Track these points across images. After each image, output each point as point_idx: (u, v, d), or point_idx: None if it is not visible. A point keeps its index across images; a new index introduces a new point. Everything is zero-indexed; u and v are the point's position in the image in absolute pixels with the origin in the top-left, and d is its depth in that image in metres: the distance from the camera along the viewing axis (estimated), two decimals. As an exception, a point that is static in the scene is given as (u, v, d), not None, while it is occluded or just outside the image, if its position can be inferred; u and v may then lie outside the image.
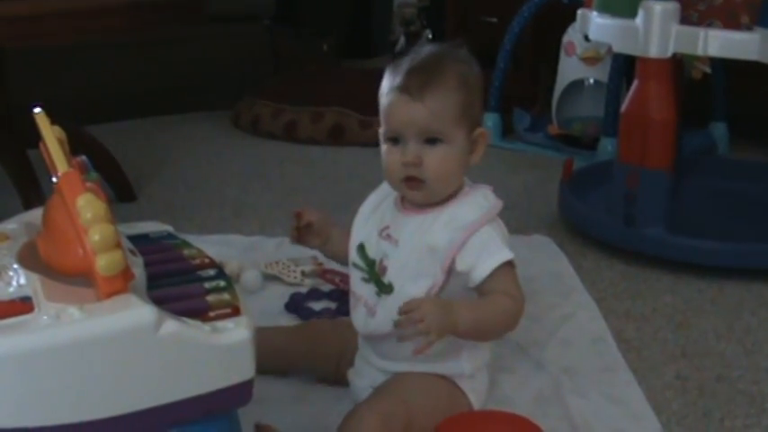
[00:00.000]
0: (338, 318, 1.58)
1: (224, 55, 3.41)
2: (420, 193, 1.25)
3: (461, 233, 1.22)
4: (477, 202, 1.25)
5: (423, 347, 1.14)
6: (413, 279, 1.24)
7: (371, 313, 1.28)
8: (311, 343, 1.41)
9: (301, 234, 1.39)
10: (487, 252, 1.21)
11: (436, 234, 1.23)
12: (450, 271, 1.22)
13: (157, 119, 3.26)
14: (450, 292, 1.24)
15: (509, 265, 1.23)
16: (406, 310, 1.14)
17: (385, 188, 1.35)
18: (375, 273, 1.28)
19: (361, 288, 1.31)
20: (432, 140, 1.22)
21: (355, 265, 1.32)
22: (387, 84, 1.25)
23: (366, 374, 1.33)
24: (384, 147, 1.27)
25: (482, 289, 1.22)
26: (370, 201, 1.36)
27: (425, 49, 1.27)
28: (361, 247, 1.31)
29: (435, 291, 1.23)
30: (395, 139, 1.24)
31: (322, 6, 4.03)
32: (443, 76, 1.22)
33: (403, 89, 1.22)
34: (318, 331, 1.44)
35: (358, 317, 1.32)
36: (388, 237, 1.28)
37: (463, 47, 1.29)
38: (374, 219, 1.32)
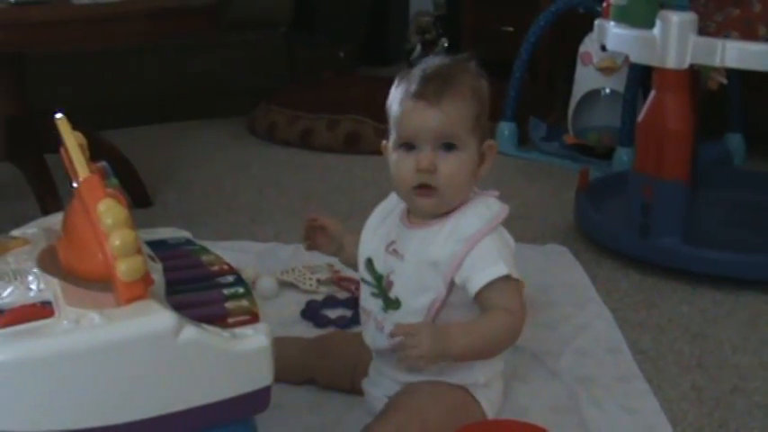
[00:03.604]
0: (353, 326, 1.59)
1: (240, 62, 3.43)
2: (431, 202, 1.24)
3: (462, 246, 1.22)
4: (480, 212, 1.24)
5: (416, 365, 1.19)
6: (417, 293, 1.24)
7: (380, 328, 1.28)
8: (326, 357, 1.42)
9: (315, 238, 1.40)
10: (482, 265, 1.21)
11: (438, 248, 1.23)
12: (452, 284, 1.23)
13: (173, 125, 3.27)
14: (452, 305, 1.24)
15: (507, 278, 1.21)
16: (402, 332, 1.17)
17: (392, 200, 1.35)
18: (383, 288, 1.28)
19: (370, 303, 1.31)
20: (447, 146, 1.22)
21: (364, 280, 1.32)
22: (400, 92, 1.25)
23: (380, 384, 1.33)
24: (395, 155, 1.27)
25: (480, 302, 1.22)
26: (377, 213, 1.36)
27: (437, 60, 1.28)
28: (369, 262, 1.31)
29: (438, 305, 1.23)
30: (408, 146, 1.24)
31: (338, 14, 4.04)
32: (459, 84, 1.23)
33: (419, 96, 1.22)
34: (333, 344, 1.44)
35: (368, 332, 1.32)
36: (395, 252, 1.28)
37: (472, 60, 1.29)
38: (381, 233, 1.32)
